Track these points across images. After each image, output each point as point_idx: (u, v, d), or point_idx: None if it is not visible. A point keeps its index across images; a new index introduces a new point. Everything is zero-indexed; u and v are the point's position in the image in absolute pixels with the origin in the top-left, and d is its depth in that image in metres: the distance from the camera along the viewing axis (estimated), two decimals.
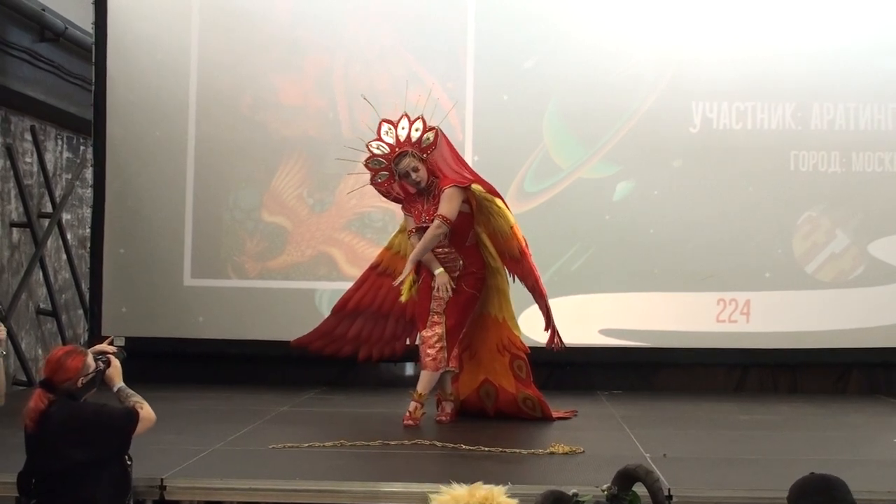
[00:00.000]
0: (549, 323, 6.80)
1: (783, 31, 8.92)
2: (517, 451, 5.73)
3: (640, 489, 3.22)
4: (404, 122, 6.71)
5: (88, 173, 10.10)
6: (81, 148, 10.88)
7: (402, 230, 7.17)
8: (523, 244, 6.70)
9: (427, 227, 6.66)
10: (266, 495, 4.87)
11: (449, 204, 6.60)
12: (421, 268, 6.83)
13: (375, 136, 6.77)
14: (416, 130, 6.68)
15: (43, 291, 10.17)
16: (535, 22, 8.96)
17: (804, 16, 8.94)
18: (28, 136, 9.94)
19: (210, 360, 8.91)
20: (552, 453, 5.67)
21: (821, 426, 7.22)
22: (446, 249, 6.74)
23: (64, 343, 10.22)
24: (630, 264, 8.82)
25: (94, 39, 9.19)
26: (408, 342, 7.46)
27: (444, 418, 6.84)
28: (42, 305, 10.17)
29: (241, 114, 9.08)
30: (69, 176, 10.68)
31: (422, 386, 6.70)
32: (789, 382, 9.00)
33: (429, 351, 6.68)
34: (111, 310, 9.01)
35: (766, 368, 8.99)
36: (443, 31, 9.01)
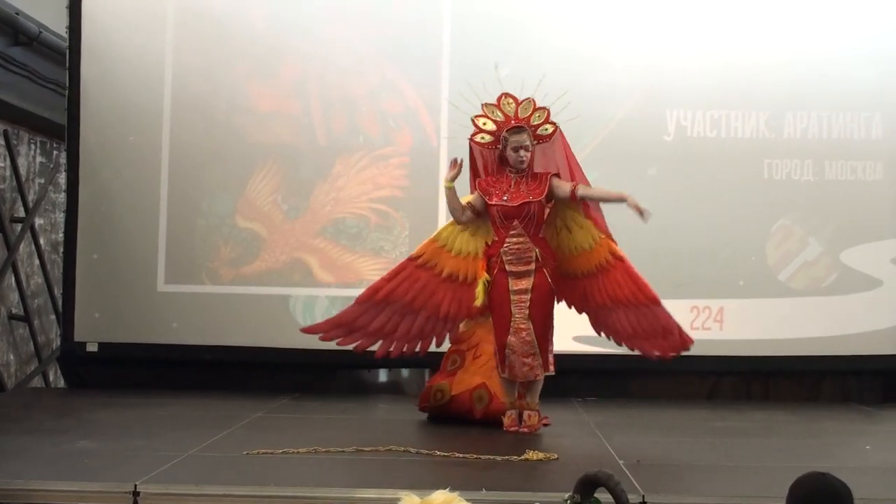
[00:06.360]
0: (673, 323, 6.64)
1: (757, 41, 8.96)
2: (491, 457, 5.72)
3: (601, 495, 3.24)
4: (528, 105, 6.70)
5: (62, 178, 10.04)
6: (55, 152, 10.82)
7: (452, 222, 6.85)
8: (618, 250, 6.66)
9: (507, 207, 6.57)
10: (241, 501, 4.85)
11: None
12: (493, 267, 6.65)
13: (495, 103, 6.72)
14: (538, 118, 6.70)
15: (15, 296, 10.10)
16: (511, 29, 8.95)
17: (778, 26, 8.98)
18: (1, 140, 9.88)
19: (184, 365, 8.86)
20: (526, 460, 5.66)
21: (794, 433, 7.25)
22: (521, 239, 6.61)
23: (36, 349, 10.15)
24: None
25: (68, 44, 9.15)
26: (433, 344, 6.97)
27: (517, 428, 6.71)
28: (14, 310, 10.10)
29: (216, 119, 9.05)
30: (42, 180, 10.62)
31: (531, 395, 6.71)
32: (762, 390, 9.03)
33: (525, 360, 6.58)
34: (84, 315, 8.94)
35: (739, 376, 9.02)
36: (419, 38, 9.00)
